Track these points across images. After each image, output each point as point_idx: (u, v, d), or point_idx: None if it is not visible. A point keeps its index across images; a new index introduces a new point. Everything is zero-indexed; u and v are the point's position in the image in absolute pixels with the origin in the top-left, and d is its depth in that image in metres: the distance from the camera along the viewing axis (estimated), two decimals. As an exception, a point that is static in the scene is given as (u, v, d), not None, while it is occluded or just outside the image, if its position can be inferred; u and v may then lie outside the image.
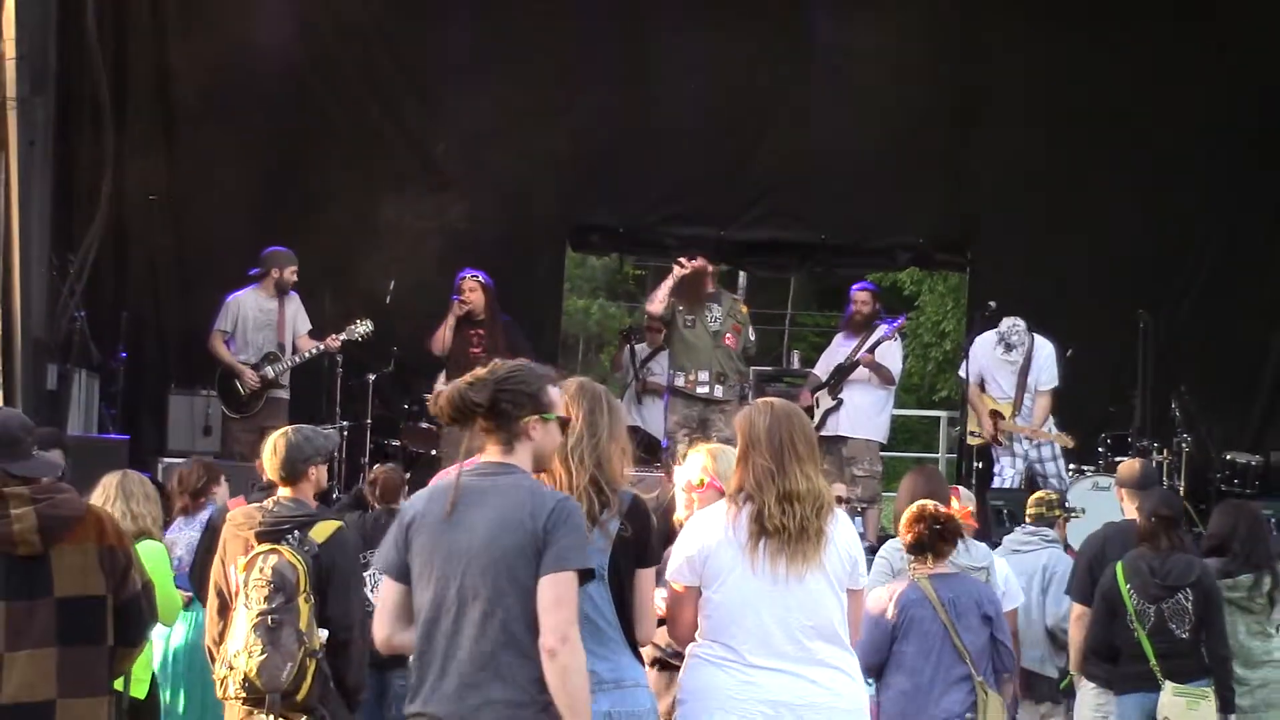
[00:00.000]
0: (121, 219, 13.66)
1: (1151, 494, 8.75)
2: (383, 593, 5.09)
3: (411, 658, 5.04)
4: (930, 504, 7.48)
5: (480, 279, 13.05)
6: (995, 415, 12.78)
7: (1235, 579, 8.19)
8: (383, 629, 5.06)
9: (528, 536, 4.81)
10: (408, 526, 4.98)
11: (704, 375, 12.64)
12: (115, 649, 5.29)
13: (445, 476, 5.10)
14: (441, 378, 13.50)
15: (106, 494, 7.96)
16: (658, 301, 12.96)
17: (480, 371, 5.01)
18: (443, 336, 12.88)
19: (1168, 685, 7.96)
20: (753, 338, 13.29)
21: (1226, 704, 8.12)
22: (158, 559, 7.92)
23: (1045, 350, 12.94)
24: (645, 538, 5.39)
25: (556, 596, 4.79)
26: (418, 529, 4.95)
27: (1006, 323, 12.96)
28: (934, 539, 7.29)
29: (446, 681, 4.83)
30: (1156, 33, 14.63)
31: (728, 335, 12.79)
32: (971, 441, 13.18)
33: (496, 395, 4.93)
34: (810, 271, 18.99)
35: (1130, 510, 8.84)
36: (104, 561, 5.23)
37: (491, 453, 4.98)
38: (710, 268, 13.07)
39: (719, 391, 12.61)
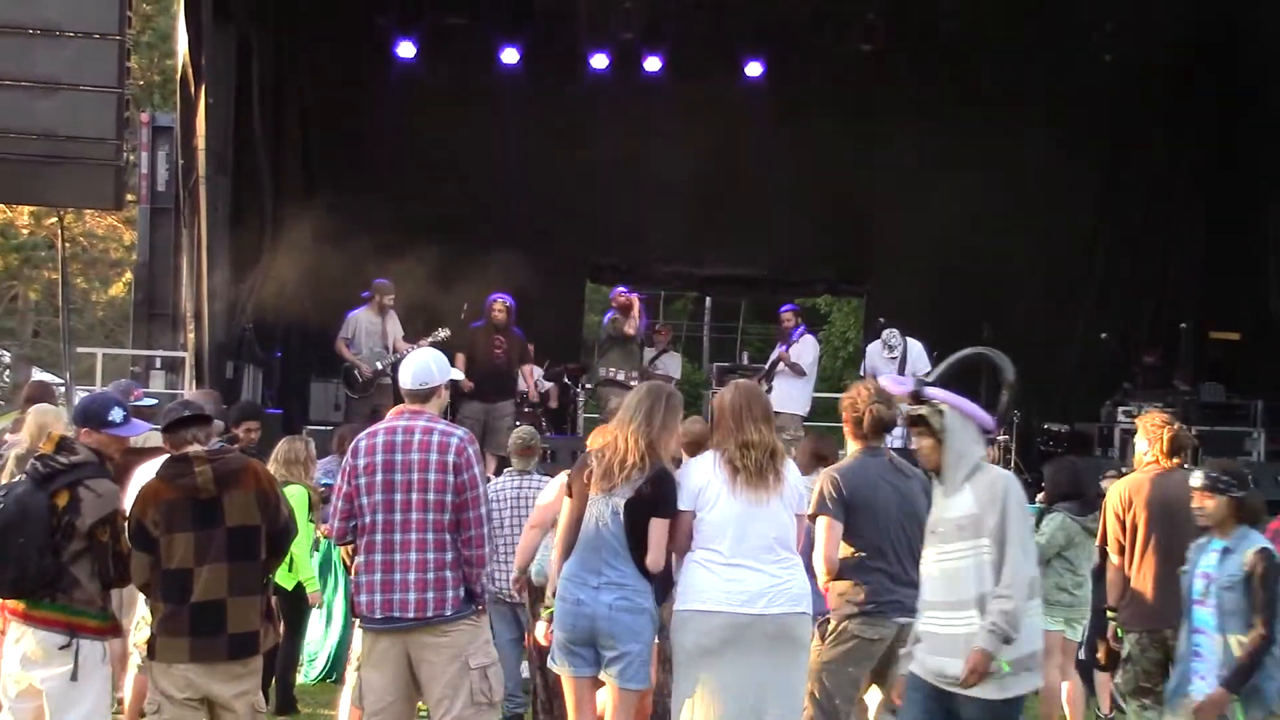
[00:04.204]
0: (277, 261, 13.59)
1: None
2: None
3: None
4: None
5: (507, 301, 12.85)
6: None
7: (1092, 515, 7.57)
8: None
9: None
10: None
11: (635, 375, 12.65)
12: (267, 560, 5.28)
13: None
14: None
15: (278, 458, 8.02)
16: (638, 329, 12.97)
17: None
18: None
19: None
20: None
21: None
22: (299, 501, 7.86)
23: (917, 347, 12.79)
24: (664, 496, 5.46)
25: None
26: None
27: (887, 332, 12.85)
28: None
29: None
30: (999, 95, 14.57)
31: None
32: None
33: None
34: (756, 296, 19.03)
35: None
36: (259, 501, 5.22)
37: None
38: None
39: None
